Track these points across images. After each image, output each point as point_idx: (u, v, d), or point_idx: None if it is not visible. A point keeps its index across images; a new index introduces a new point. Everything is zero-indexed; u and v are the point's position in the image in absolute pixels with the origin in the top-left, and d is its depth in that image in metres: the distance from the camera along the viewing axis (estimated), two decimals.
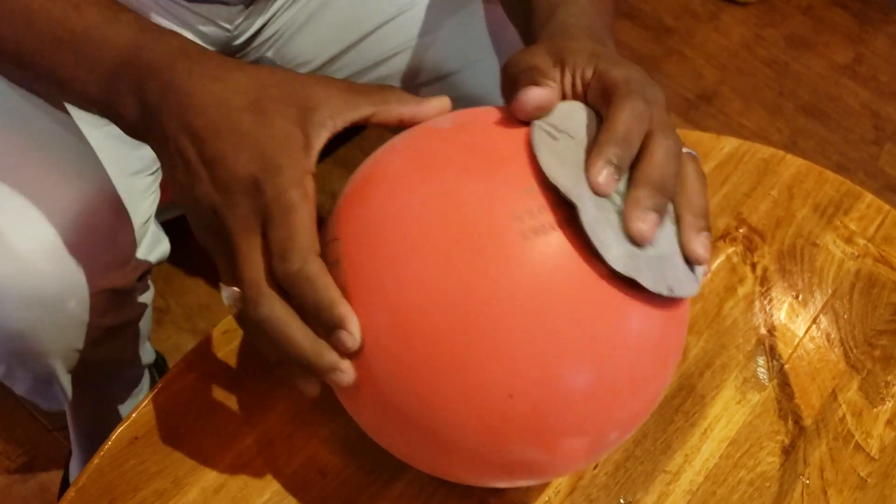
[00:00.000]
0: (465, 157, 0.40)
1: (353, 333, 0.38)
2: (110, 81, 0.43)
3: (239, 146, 0.39)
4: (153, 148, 0.43)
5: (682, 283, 0.40)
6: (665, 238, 0.40)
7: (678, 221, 0.41)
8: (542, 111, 0.40)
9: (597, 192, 0.38)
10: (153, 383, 0.85)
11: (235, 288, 0.40)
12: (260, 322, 0.39)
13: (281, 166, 0.39)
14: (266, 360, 0.54)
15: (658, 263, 0.39)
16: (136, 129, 0.44)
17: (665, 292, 0.39)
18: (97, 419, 0.73)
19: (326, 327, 0.39)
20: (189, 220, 0.43)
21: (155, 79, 0.42)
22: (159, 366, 0.96)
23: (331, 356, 0.39)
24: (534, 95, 0.40)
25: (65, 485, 0.94)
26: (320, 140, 0.41)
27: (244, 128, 0.40)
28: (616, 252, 0.38)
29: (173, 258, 0.69)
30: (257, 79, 0.41)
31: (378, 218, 0.40)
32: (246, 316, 0.40)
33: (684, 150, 0.42)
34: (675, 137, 0.40)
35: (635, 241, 0.38)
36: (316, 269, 0.38)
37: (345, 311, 0.38)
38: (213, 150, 0.40)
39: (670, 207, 0.41)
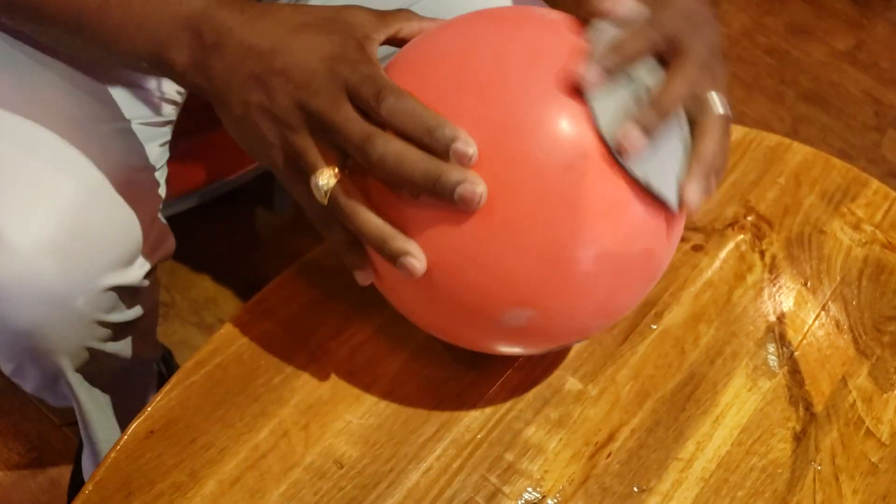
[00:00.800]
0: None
1: (468, 142, 0.41)
2: (160, 34, 0.46)
3: (305, 51, 0.44)
4: (207, 88, 0.46)
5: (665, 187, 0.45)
6: (668, 153, 0.45)
7: (689, 167, 0.46)
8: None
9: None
10: (160, 378, 0.86)
11: (325, 169, 0.44)
12: (380, 158, 0.42)
13: (347, 54, 0.44)
14: (280, 352, 0.55)
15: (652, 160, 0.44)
16: (191, 72, 0.46)
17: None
18: (106, 414, 0.73)
19: (441, 145, 0.41)
20: (266, 142, 0.45)
21: (209, 21, 0.45)
22: (166, 360, 0.96)
23: (457, 170, 0.41)
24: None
25: (74, 480, 0.94)
26: (372, 48, 0.46)
27: (305, 39, 0.45)
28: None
29: (178, 252, 0.69)
30: (299, 9, 0.47)
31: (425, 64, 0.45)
32: (364, 159, 0.43)
33: (715, 99, 0.47)
34: (698, 66, 0.46)
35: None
36: (413, 100, 0.42)
37: (452, 125, 0.42)
38: (283, 59, 0.44)
39: (684, 127, 0.46)
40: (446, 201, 0.42)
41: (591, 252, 0.44)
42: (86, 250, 0.54)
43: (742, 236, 0.65)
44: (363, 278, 0.48)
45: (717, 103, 0.47)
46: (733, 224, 0.66)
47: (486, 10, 0.48)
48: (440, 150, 0.42)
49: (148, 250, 0.60)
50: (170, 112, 0.66)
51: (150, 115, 0.63)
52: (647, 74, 0.45)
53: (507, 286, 0.44)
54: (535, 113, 0.42)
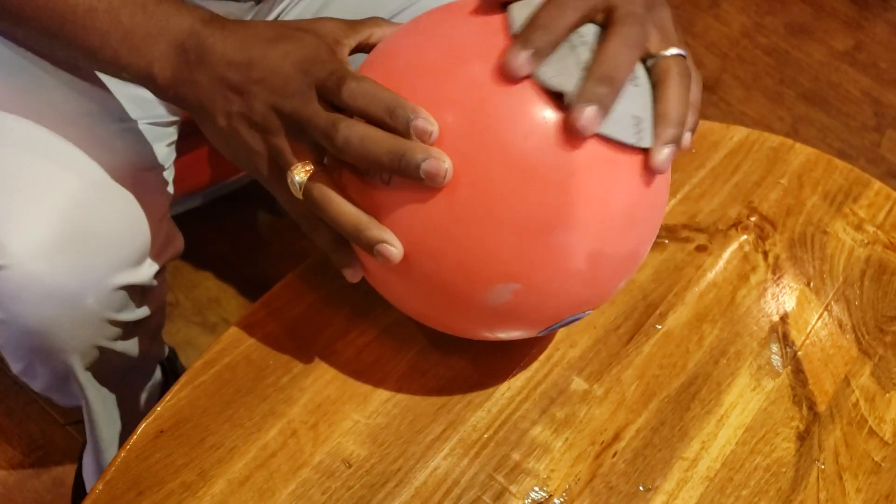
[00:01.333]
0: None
1: (427, 120, 0.42)
2: (146, 48, 0.48)
3: (280, 59, 0.46)
4: (191, 101, 0.48)
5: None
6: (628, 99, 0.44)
7: (655, 130, 0.45)
8: None
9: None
10: (164, 377, 0.86)
11: (300, 164, 0.46)
12: (345, 141, 0.43)
13: (318, 56, 0.46)
14: (289, 352, 0.55)
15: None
16: (171, 86, 0.48)
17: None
18: (112, 414, 0.73)
19: (401, 123, 0.43)
20: (248, 148, 0.47)
21: (193, 38, 0.47)
22: (170, 360, 0.96)
23: (420, 147, 0.42)
24: None
25: (79, 479, 0.94)
26: (343, 52, 0.48)
27: (280, 49, 0.46)
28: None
29: (182, 252, 0.70)
30: (273, 24, 0.49)
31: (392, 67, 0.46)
32: (332, 146, 0.44)
33: (671, 50, 0.46)
34: (637, 26, 0.44)
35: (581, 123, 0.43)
36: (373, 82, 0.44)
37: (413, 105, 0.43)
38: (260, 70, 0.46)
39: (639, 72, 0.46)
40: (413, 179, 0.43)
41: (566, 218, 0.44)
42: (96, 249, 0.55)
43: (745, 237, 0.66)
44: (352, 275, 0.49)
45: (673, 50, 0.47)
46: (737, 225, 0.66)
47: (443, 5, 0.49)
48: (401, 129, 0.43)
49: (157, 250, 0.60)
50: (175, 112, 0.66)
51: (156, 114, 0.64)
52: (591, 37, 0.45)
53: (487, 262, 0.45)
54: (490, 88, 0.43)
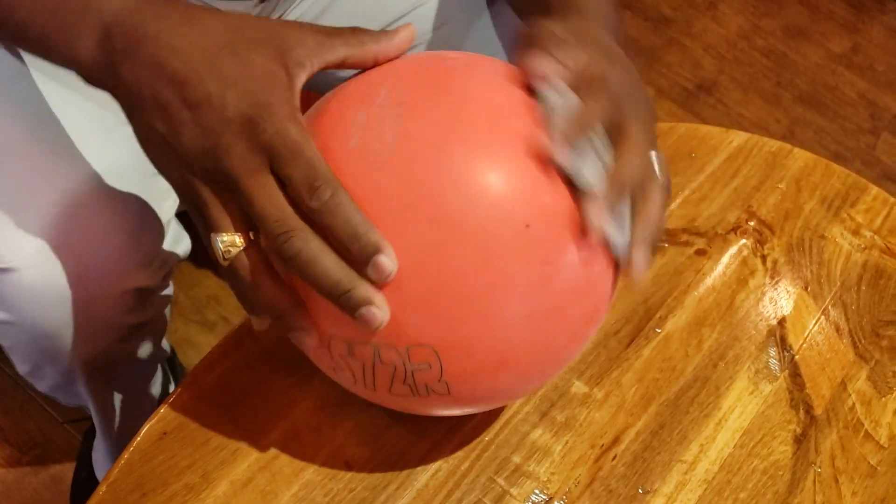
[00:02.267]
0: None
1: (391, 258, 0.38)
2: (71, 25, 0.41)
3: (223, 86, 0.38)
4: (118, 99, 0.41)
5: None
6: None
7: (632, 228, 0.43)
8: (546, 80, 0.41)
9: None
10: (165, 375, 0.86)
11: (229, 234, 0.40)
12: (294, 255, 0.38)
13: (271, 103, 0.38)
14: (291, 354, 0.55)
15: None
16: (96, 72, 0.41)
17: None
18: (116, 413, 0.73)
19: (362, 254, 0.38)
20: (167, 173, 0.41)
21: (119, 25, 0.40)
22: (169, 358, 0.97)
23: (365, 288, 0.38)
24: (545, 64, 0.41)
25: (77, 477, 0.95)
26: (300, 79, 0.40)
27: (225, 68, 0.38)
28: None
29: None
30: (229, 22, 0.40)
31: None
32: (274, 249, 0.39)
33: (654, 154, 0.44)
34: (643, 144, 0.43)
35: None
36: (347, 198, 0.38)
37: (380, 236, 0.38)
38: (197, 92, 0.38)
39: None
40: (347, 314, 0.39)
41: (516, 359, 0.43)
42: (107, 252, 0.55)
43: (744, 241, 0.66)
44: (258, 324, 0.44)
45: (657, 167, 0.44)
46: (735, 229, 0.67)
47: (442, 79, 0.42)
48: (359, 261, 0.38)
49: (166, 252, 0.60)
50: None
51: None
52: (599, 139, 0.43)
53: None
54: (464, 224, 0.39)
